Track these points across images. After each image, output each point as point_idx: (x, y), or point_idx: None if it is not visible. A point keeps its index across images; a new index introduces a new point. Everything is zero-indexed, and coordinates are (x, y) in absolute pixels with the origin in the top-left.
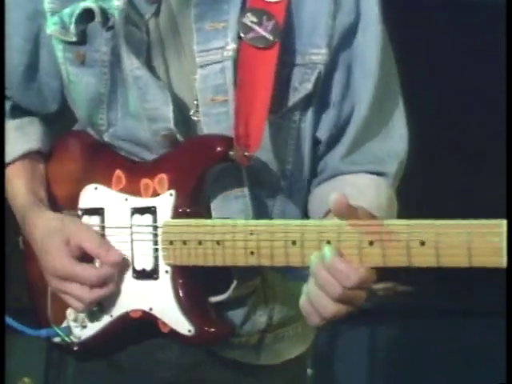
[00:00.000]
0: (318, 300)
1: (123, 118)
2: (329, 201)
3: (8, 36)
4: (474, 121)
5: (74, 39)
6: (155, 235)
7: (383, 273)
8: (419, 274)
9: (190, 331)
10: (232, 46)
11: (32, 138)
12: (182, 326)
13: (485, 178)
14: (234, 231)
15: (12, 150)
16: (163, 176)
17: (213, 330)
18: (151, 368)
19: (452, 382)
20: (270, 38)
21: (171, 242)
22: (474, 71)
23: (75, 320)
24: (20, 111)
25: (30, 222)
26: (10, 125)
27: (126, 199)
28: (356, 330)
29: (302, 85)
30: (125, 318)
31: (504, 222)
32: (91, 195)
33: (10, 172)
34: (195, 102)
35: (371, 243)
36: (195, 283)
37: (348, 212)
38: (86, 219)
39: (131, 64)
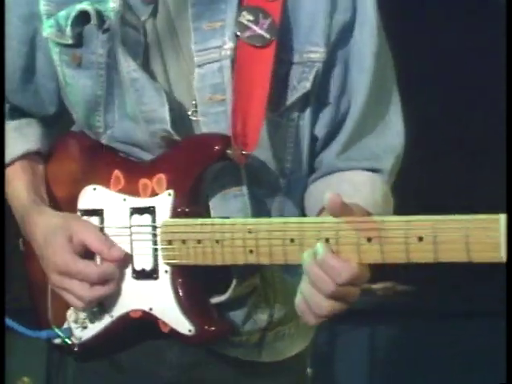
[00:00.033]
0: (311, 297)
1: (120, 120)
2: (323, 199)
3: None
4: (476, 118)
5: (70, 42)
6: (154, 235)
7: (382, 272)
8: (419, 274)
9: (190, 331)
10: (230, 45)
11: (30, 139)
12: (182, 325)
13: (487, 175)
14: (233, 230)
15: (11, 150)
16: (161, 176)
17: (213, 329)
18: (152, 368)
19: (452, 382)
20: (267, 36)
21: (170, 242)
22: (476, 68)
23: (76, 321)
24: (18, 113)
25: (31, 220)
26: (9, 126)
27: (125, 199)
28: (355, 329)
29: (301, 83)
30: (125, 318)
31: (501, 217)
32: (90, 196)
33: (9, 173)
34: (194, 102)
35: (369, 240)
36: (195, 283)
37: (342, 211)
38: None
39: (128, 66)
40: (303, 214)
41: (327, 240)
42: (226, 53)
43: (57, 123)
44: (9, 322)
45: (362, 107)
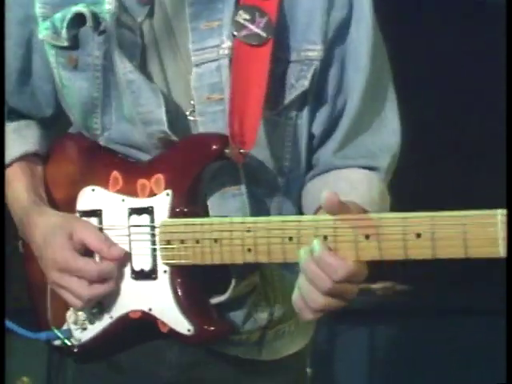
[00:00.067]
0: (308, 294)
1: (117, 121)
2: (320, 198)
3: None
4: (473, 121)
5: (66, 44)
6: (153, 235)
7: (381, 272)
8: (417, 271)
9: (189, 330)
10: (227, 44)
11: (29, 141)
12: (182, 325)
13: (484, 178)
14: (231, 229)
15: (9, 152)
16: (160, 176)
17: (212, 328)
18: (151, 368)
19: (451, 382)
20: (263, 34)
21: (169, 242)
22: (473, 71)
23: (75, 322)
24: (16, 115)
25: (30, 221)
26: (8, 128)
27: (123, 200)
28: (355, 329)
29: (299, 82)
30: (124, 318)
31: (498, 212)
32: (89, 197)
33: (8, 174)
34: (191, 102)
35: (367, 237)
36: (194, 282)
37: (339, 209)
38: None
39: (124, 68)
40: (301, 213)
41: (325, 238)
42: (223, 52)
43: (54, 125)
44: (9, 323)
45: (358, 104)
